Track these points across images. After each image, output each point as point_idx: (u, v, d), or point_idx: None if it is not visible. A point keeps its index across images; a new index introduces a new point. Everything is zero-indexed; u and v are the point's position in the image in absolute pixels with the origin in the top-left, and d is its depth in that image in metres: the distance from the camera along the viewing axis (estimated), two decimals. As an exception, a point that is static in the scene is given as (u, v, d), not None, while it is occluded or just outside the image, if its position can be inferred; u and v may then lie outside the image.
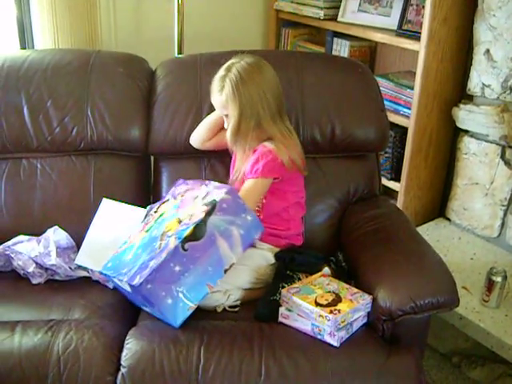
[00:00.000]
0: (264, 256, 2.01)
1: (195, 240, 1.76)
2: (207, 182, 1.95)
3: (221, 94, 1.99)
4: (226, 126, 2.06)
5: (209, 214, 1.80)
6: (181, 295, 1.75)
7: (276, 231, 2.09)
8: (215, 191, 1.88)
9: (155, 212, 2.00)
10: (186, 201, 1.92)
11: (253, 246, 1.97)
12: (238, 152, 2.08)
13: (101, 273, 1.92)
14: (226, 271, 1.81)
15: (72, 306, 1.90)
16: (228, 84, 1.97)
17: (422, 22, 2.66)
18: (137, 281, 1.71)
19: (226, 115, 2.03)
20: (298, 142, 2.11)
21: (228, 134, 2.03)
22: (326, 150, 2.29)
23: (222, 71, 2.01)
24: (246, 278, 1.96)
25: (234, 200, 1.86)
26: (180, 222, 1.83)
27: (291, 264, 1.99)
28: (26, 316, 1.86)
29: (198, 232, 1.77)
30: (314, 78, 2.11)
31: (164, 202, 2.01)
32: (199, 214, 1.80)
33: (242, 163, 2.06)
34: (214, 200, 1.83)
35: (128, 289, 1.80)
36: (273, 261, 2.01)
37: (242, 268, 1.90)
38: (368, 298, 1.82)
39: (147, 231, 1.90)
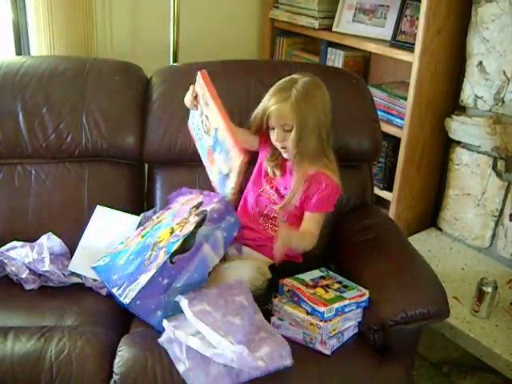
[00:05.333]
0: (261, 270, 1.98)
1: (183, 253, 1.78)
2: (205, 191, 1.98)
3: (285, 102, 1.94)
4: (275, 140, 2.01)
5: (199, 225, 1.82)
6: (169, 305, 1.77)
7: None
8: (207, 201, 1.90)
9: (157, 218, 2.02)
10: (183, 211, 1.93)
11: (251, 257, 1.99)
12: (298, 173, 2.01)
13: (93, 269, 1.93)
14: (209, 274, 1.84)
15: (65, 312, 1.91)
16: (295, 94, 1.94)
17: (415, 34, 2.68)
18: (126, 299, 1.73)
19: (284, 125, 1.97)
20: None
21: (290, 145, 1.97)
22: (319, 160, 2.30)
23: (283, 83, 2.00)
24: None
25: (226, 208, 1.88)
26: (172, 232, 1.84)
27: (284, 273, 1.99)
28: (19, 322, 1.86)
29: (186, 245, 1.79)
30: (309, 88, 2.13)
31: (168, 209, 2.03)
32: (189, 226, 1.82)
33: (298, 186, 2.02)
34: (205, 211, 1.85)
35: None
36: (269, 276, 1.98)
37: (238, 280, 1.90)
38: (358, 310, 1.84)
39: (143, 236, 1.92)
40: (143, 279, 1.73)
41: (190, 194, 2.05)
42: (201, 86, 1.92)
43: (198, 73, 1.93)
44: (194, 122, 2.09)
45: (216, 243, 1.84)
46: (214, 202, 1.87)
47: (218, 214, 1.85)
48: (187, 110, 2.18)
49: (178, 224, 1.87)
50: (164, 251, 1.78)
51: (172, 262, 1.76)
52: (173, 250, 1.77)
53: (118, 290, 1.77)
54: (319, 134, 1.99)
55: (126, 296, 1.73)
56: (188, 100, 2.05)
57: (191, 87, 2.01)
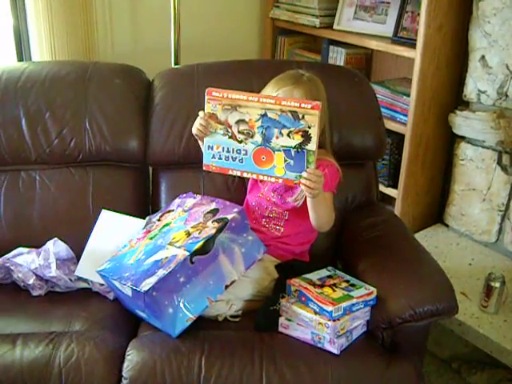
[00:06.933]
0: (267, 270, 2.00)
1: (203, 254, 1.79)
2: (217, 199, 1.98)
3: (298, 85, 1.95)
4: None
5: (219, 230, 1.82)
6: (181, 305, 1.76)
7: (289, 247, 2.09)
8: (226, 210, 1.91)
9: (158, 220, 2.02)
10: (195, 215, 1.94)
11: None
12: None
13: (99, 273, 1.91)
14: (226, 287, 1.84)
15: (73, 317, 1.90)
16: (306, 80, 1.97)
17: (417, 29, 2.68)
18: (144, 287, 1.72)
19: None
20: None
21: None
22: (323, 159, 2.30)
23: (289, 73, 2.02)
24: (248, 290, 1.95)
25: (242, 220, 1.89)
26: (189, 234, 1.85)
27: (290, 272, 1.99)
28: (27, 328, 1.86)
29: (206, 247, 1.80)
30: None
31: (168, 212, 2.03)
32: (210, 230, 1.83)
33: None
34: (226, 218, 1.85)
35: (128, 293, 1.80)
36: (276, 275, 1.99)
37: (244, 279, 1.90)
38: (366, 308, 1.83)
39: (151, 238, 1.92)
40: (161, 272, 1.74)
41: (194, 198, 2.04)
42: (217, 100, 1.84)
43: (206, 94, 1.86)
44: (220, 150, 1.92)
45: (234, 257, 1.85)
46: (233, 211, 1.88)
47: (235, 224, 1.86)
48: (190, 114, 2.17)
49: (194, 227, 1.88)
50: (184, 249, 1.79)
51: (192, 262, 1.76)
52: (194, 248, 1.77)
53: (133, 282, 1.76)
54: (324, 124, 2.01)
55: (144, 286, 1.72)
56: (199, 126, 1.89)
57: (200, 114, 1.89)
